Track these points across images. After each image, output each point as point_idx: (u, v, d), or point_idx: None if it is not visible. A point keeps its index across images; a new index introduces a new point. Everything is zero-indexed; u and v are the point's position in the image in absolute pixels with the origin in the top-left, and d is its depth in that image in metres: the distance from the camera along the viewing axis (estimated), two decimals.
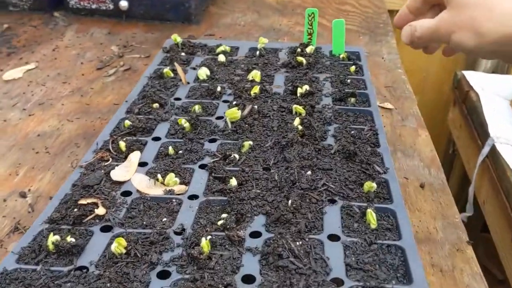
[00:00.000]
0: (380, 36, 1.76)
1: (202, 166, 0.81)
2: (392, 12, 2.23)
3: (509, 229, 1.48)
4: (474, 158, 1.80)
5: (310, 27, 1.24)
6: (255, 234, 0.67)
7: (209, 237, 0.64)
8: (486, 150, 1.71)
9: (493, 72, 2.23)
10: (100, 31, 1.77)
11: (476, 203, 1.82)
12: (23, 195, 0.98)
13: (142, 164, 0.83)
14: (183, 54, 1.21)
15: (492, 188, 1.62)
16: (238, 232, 0.65)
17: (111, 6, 1.83)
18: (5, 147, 1.13)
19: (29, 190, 1.00)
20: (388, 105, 1.28)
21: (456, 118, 2.14)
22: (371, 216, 0.67)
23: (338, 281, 0.58)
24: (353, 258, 0.62)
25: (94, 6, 1.84)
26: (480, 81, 2.03)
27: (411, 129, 1.20)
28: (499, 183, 1.57)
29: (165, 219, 0.71)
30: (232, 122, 0.90)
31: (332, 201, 0.72)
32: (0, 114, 1.26)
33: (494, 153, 1.63)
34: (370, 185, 0.74)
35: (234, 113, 0.89)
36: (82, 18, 1.87)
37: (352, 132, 0.89)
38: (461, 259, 0.82)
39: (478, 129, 1.84)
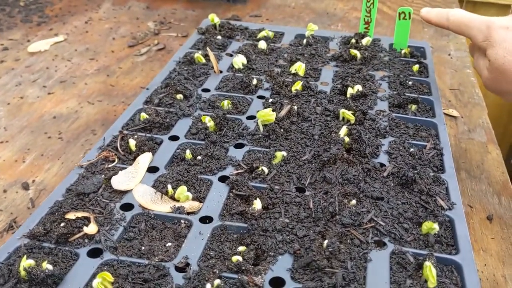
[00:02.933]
0: (447, 30, 1.54)
1: (222, 179, 0.67)
2: (464, 3, 2.01)
3: None
4: None
5: (368, 14, 1.07)
6: (277, 283, 0.52)
7: (217, 281, 0.49)
8: None
9: None
10: (138, 5, 1.65)
11: None
12: (25, 187, 0.87)
13: (151, 169, 0.69)
14: (219, 37, 1.06)
15: None
16: (254, 278, 0.50)
17: None
18: (16, 127, 1.03)
19: (33, 181, 0.89)
20: (453, 112, 1.09)
21: None
22: (430, 273, 0.51)
23: None
24: None
25: None
26: None
27: (480, 144, 1.01)
28: None
29: (169, 244, 0.57)
30: (264, 125, 0.75)
31: (381, 244, 0.56)
32: (19, 90, 1.16)
33: None
34: (430, 226, 0.57)
35: (268, 115, 0.73)
36: None
37: (412, 149, 0.72)
38: None
39: None
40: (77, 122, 1.05)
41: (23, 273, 0.51)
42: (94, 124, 1.05)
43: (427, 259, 0.53)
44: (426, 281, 0.52)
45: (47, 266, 0.51)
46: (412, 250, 0.56)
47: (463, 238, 0.57)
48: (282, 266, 0.54)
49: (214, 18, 1.10)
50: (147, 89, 0.89)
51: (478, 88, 1.23)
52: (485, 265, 0.73)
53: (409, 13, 1.04)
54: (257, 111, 0.77)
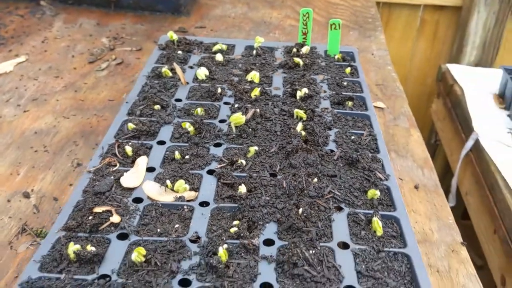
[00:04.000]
0: (369, 32, 1.79)
1: (210, 172, 0.83)
2: (379, 4, 2.26)
3: (492, 222, 1.55)
4: (457, 150, 1.87)
5: (305, 26, 1.26)
6: (268, 242, 0.69)
7: (225, 245, 0.66)
8: (470, 144, 1.77)
9: (476, 65, 2.30)
10: (89, 22, 1.76)
11: (457, 193, 1.89)
12: (26, 196, 0.99)
13: (149, 169, 0.84)
14: (179, 52, 1.22)
15: (475, 182, 1.68)
16: (252, 240, 0.68)
17: None
18: (2, 145, 1.13)
19: (32, 190, 1.00)
20: (380, 104, 1.31)
21: (440, 110, 2.20)
22: (377, 224, 0.70)
23: None
24: (363, 266, 0.66)
25: None
26: (464, 74, 2.09)
27: (404, 129, 1.24)
28: (483, 177, 1.64)
29: (177, 225, 0.73)
30: (236, 127, 0.92)
31: (339, 209, 0.75)
32: None
33: (478, 148, 1.69)
34: (373, 193, 0.77)
35: (239, 118, 0.91)
36: (69, 7, 1.85)
37: (352, 137, 0.92)
38: (456, 260, 0.86)
39: (462, 123, 1.90)
40: (58, 135, 1.17)
41: (72, 255, 0.65)
42: (74, 137, 1.17)
43: (374, 215, 0.72)
44: (375, 231, 0.72)
45: (91, 248, 0.66)
46: (362, 211, 0.75)
47: (398, 200, 0.78)
48: (270, 231, 0.71)
49: (172, 35, 1.26)
50: (127, 102, 1.03)
51: (399, 82, 1.47)
52: (416, 222, 0.95)
53: (339, 24, 1.24)
54: (227, 115, 0.94)
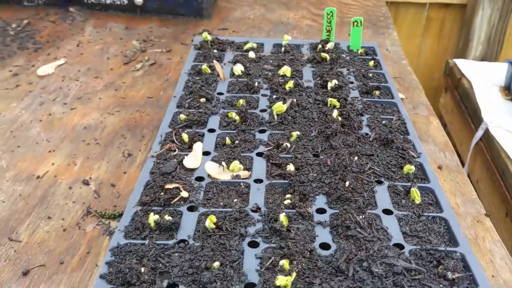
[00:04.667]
0: (382, 29, 1.89)
1: (259, 154, 0.93)
2: (387, 4, 2.36)
3: (503, 205, 1.64)
4: (467, 141, 1.97)
5: (329, 24, 1.36)
6: (321, 211, 0.79)
7: (283, 213, 0.76)
8: (479, 133, 1.88)
9: (482, 60, 2.40)
10: (118, 26, 1.86)
11: None
12: (86, 183, 1.09)
13: (205, 153, 0.94)
14: (215, 51, 1.31)
15: (486, 168, 1.78)
16: (306, 209, 0.77)
17: (125, 1, 1.92)
18: (57, 139, 1.23)
19: (90, 178, 1.10)
20: (400, 95, 1.41)
21: (448, 104, 2.30)
22: (416, 194, 0.80)
23: (400, 246, 0.71)
24: (407, 228, 0.75)
25: (108, 1, 1.93)
26: (471, 68, 2.19)
27: (423, 117, 1.34)
28: (494, 164, 1.74)
29: (236, 200, 0.83)
30: (277, 115, 1.02)
31: (379, 182, 0.85)
32: (44, 108, 1.35)
33: (487, 136, 1.79)
34: (409, 168, 0.87)
35: (280, 106, 1.00)
36: (97, 13, 1.95)
37: (384, 122, 1.02)
38: (481, 229, 0.96)
39: (471, 114, 2.00)
40: (106, 130, 1.27)
41: (153, 224, 0.75)
42: (121, 130, 1.27)
43: (412, 186, 0.82)
44: (413, 200, 0.81)
45: (168, 217, 0.76)
46: (400, 183, 0.85)
47: (430, 174, 0.88)
48: (320, 202, 0.81)
49: (207, 36, 1.36)
50: (174, 96, 1.13)
51: (414, 75, 1.57)
52: None
53: (361, 21, 1.34)
54: (267, 106, 1.04)
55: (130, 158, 1.16)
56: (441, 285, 0.65)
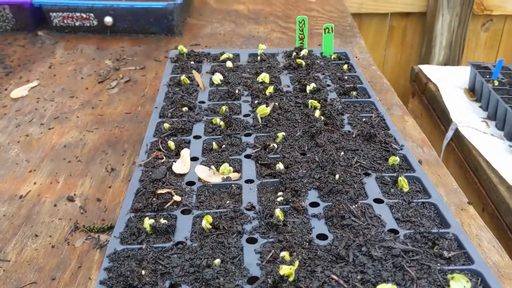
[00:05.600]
0: (350, 38, 1.94)
1: (247, 156, 0.94)
2: (352, 15, 2.43)
3: (479, 201, 1.69)
4: (438, 142, 2.03)
5: (301, 32, 1.40)
6: (314, 204, 0.81)
7: (278, 209, 0.77)
8: (450, 134, 1.94)
9: (445, 65, 2.48)
10: (89, 47, 1.85)
11: None
12: (71, 199, 1.07)
13: (193, 159, 0.94)
14: (192, 62, 1.33)
15: (459, 167, 1.84)
16: (300, 203, 0.79)
17: (95, 23, 1.91)
18: (36, 159, 1.21)
19: (75, 194, 1.08)
20: None
21: (417, 108, 2.37)
22: (404, 182, 0.83)
23: (395, 231, 0.73)
24: (399, 214, 0.77)
25: (78, 23, 1.92)
26: (436, 73, 2.28)
27: (398, 117, 1.37)
28: (466, 162, 1.79)
29: (228, 201, 0.84)
30: (261, 118, 1.04)
31: (367, 174, 0.87)
32: (21, 130, 1.33)
33: (458, 136, 1.85)
34: (394, 159, 0.89)
35: (264, 109, 1.02)
36: (66, 35, 1.94)
37: (364, 119, 1.05)
38: (466, 216, 0.99)
39: (440, 116, 2.07)
40: (87, 147, 1.26)
41: (148, 228, 0.75)
42: (101, 146, 1.26)
43: (399, 176, 0.84)
44: (401, 189, 0.84)
45: (164, 221, 0.75)
46: (387, 174, 0.87)
47: (414, 163, 0.90)
48: (313, 196, 0.82)
49: (183, 48, 1.37)
50: (156, 107, 1.14)
51: (385, 79, 1.62)
52: None
53: (332, 28, 1.38)
54: (249, 110, 1.06)
55: (114, 172, 1.15)
56: (438, 264, 0.67)
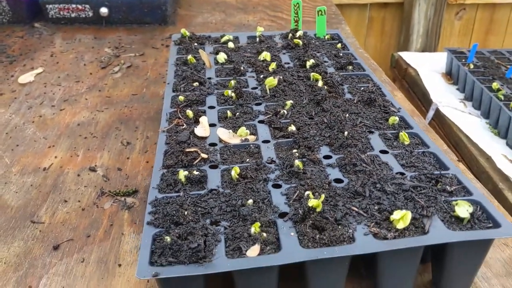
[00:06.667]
0: (336, 25, 2.05)
1: (260, 122, 1.03)
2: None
3: None
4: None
5: (296, 15, 1.49)
6: (327, 157, 0.90)
7: (297, 161, 0.86)
8: (431, 113, 2.06)
9: (423, 51, 2.62)
10: (86, 37, 1.92)
11: None
12: (93, 169, 1.14)
13: (210, 125, 1.03)
14: (195, 44, 1.41)
15: (441, 144, 1.96)
16: (316, 155, 0.88)
17: (91, 14, 1.98)
18: (53, 136, 1.27)
19: (96, 165, 1.16)
20: None
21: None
22: (405, 136, 0.93)
23: (402, 174, 0.83)
24: (404, 161, 0.88)
25: (73, 15, 1.98)
26: (414, 59, 2.41)
27: (389, 92, 1.48)
28: (447, 138, 1.92)
29: (248, 159, 0.92)
30: (269, 89, 1.13)
31: (371, 132, 0.98)
32: (33, 111, 1.39)
33: (439, 115, 1.98)
34: (393, 119, 1.00)
35: (272, 80, 1.11)
36: (63, 26, 2.00)
37: (362, 88, 1.15)
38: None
39: (421, 98, 2.19)
40: (100, 124, 1.33)
41: (183, 179, 0.83)
42: (114, 124, 1.33)
43: (400, 131, 0.95)
44: (403, 142, 0.94)
45: (197, 172, 0.84)
46: (389, 131, 0.98)
47: (412, 122, 1.01)
48: (325, 151, 0.92)
49: (186, 32, 1.45)
50: (168, 83, 1.22)
51: (372, 60, 1.73)
52: None
53: (324, 10, 1.48)
54: (256, 84, 1.15)
55: (130, 146, 1.23)
56: (443, 196, 0.77)
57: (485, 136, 1.78)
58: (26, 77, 1.56)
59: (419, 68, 2.29)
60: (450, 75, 2.19)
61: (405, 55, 2.45)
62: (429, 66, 2.33)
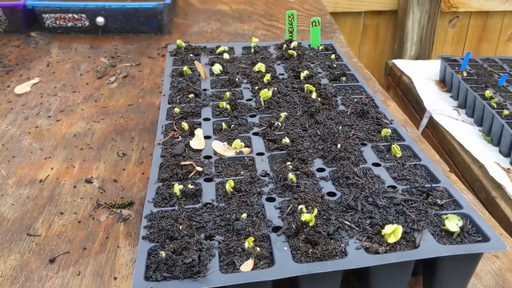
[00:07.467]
0: (330, 34, 2.07)
1: (255, 134, 1.04)
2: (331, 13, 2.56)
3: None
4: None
5: (291, 26, 1.51)
6: (320, 170, 0.92)
7: (291, 174, 0.88)
8: (425, 121, 2.08)
9: (417, 59, 2.64)
10: (82, 46, 1.93)
11: None
12: (89, 181, 1.15)
13: (206, 137, 1.04)
14: (191, 55, 1.43)
15: (435, 151, 1.98)
16: (309, 168, 0.89)
17: (87, 23, 1.99)
18: (50, 147, 1.28)
19: (92, 177, 1.17)
20: None
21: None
22: (397, 148, 0.94)
23: (394, 187, 0.85)
24: (396, 174, 0.89)
25: (70, 24, 1.99)
26: (408, 66, 2.43)
27: (381, 102, 1.50)
28: (441, 146, 1.94)
29: (243, 172, 0.94)
30: (264, 101, 1.14)
31: (364, 144, 0.99)
32: (30, 122, 1.40)
33: (432, 123, 2.00)
34: (386, 131, 1.01)
35: (266, 92, 1.13)
36: (59, 36, 2.01)
37: (355, 100, 1.17)
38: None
39: (415, 106, 2.21)
40: (96, 135, 1.34)
41: (178, 193, 0.84)
42: (110, 135, 1.34)
43: (392, 143, 0.96)
44: (395, 155, 0.95)
45: (192, 186, 0.85)
46: (381, 144, 0.99)
47: (404, 134, 1.02)
48: (318, 163, 0.93)
49: (181, 43, 1.47)
50: (164, 95, 1.23)
51: (366, 69, 1.75)
52: None
53: (318, 21, 1.50)
54: (251, 95, 1.16)
55: (125, 157, 1.24)
56: (433, 210, 0.79)
57: (478, 144, 1.80)
58: (22, 88, 1.57)
59: (413, 76, 2.31)
60: (444, 83, 2.21)
61: (399, 63, 2.48)
62: (423, 74, 2.35)
